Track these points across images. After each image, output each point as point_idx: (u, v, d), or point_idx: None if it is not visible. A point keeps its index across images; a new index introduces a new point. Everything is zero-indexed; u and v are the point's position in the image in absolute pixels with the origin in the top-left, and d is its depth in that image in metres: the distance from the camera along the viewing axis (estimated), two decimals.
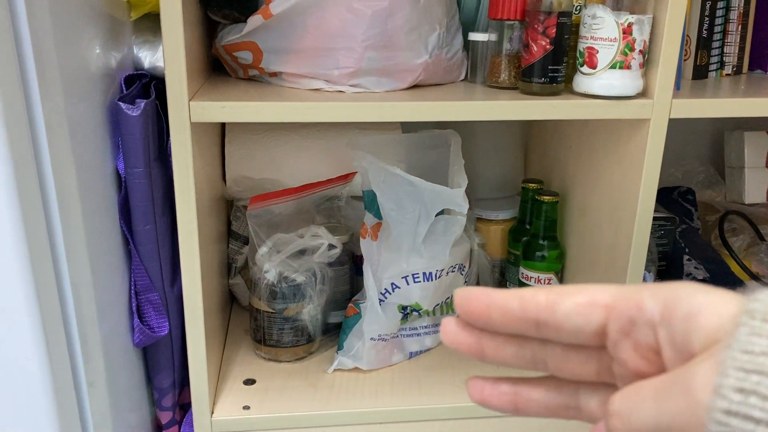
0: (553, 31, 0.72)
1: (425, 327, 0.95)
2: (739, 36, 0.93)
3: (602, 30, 0.71)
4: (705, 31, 0.89)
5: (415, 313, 0.92)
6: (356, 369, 0.90)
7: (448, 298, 0.96)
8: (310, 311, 0.91)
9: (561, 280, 0.99)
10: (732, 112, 0.76)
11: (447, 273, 0.92)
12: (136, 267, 0.71)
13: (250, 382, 0.88)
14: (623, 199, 0.81)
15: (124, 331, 0.73)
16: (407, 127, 1.04)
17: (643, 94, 0.75)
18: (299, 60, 0.76)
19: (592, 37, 0.72)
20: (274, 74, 0.80)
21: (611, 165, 0.84)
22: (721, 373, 0.22)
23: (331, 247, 0.93)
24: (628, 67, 0.72)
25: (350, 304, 0.93)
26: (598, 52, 0.72)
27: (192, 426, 0.79)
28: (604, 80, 0.73)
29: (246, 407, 0.82)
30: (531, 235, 0.99)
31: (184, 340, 0.77)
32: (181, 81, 0.67)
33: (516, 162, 1.17)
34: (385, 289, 0.90)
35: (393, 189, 0.88)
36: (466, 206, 0.87)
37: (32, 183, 0.55)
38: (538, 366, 0.30)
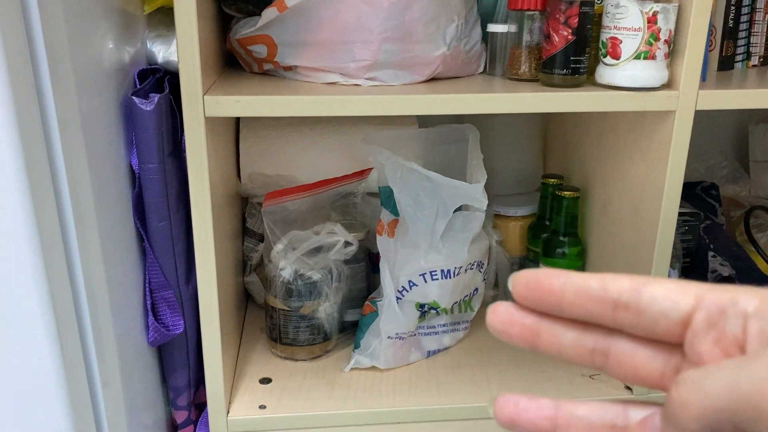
0: (575, 20, 0.70)
1: (443, 325, 0.94)
2: (766, 26, 0.90)
3: (626, 19, 0.69)
4: (731, 21, 0.86)
5: (432, 311, 0.90)
6: (373, 368, 0.89)
7: (467, 295, 0.94)
8: (326, 309, 0.89)
9: None
10: (760, 103, 0.74)
11: (465, 270, 0.90)
12: (150, 264, 0.70)
13: (266, 381, 0.87)
14: (647, 195, 0.79)
15: (138, 329, 0.72)
16: (424, 121, 1.02)
17: (668, 85, 0.73)
18: (314, 53, 0.75)
19: (615, 27, 0.70)
20: (289, 68, 0.78)
21: (634, 159, 0.82)
22: None
23: (347, 244, 0.91)
24: (653, 58, 0.70)
25: (367, 302, 0.92)
26: (621, 42, 0.70)
27: (207, 425, 0.79)
28: (628, 71, 0.70)
29: (262, 406, 0.81)
30: (551, 231, 0.97)
31: (199, 338, 0.76)
32: (195, 75, 0.66)
33: (535, 157, 1.14)
34: (402, 286, 0.88)
35: (410, 185, 0.87)
36: (486, 202, 0.86)
37: (45, 179, 0.54)
38: (596, 359, 0.28)
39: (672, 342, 0.26)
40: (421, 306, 0.89)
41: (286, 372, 0.89)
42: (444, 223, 0.87)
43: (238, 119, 0.98)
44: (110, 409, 0.65)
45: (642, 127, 0.79)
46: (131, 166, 0.69)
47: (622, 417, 0.27)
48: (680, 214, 0.96)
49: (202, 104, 0.67)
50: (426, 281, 0.88)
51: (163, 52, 0.74)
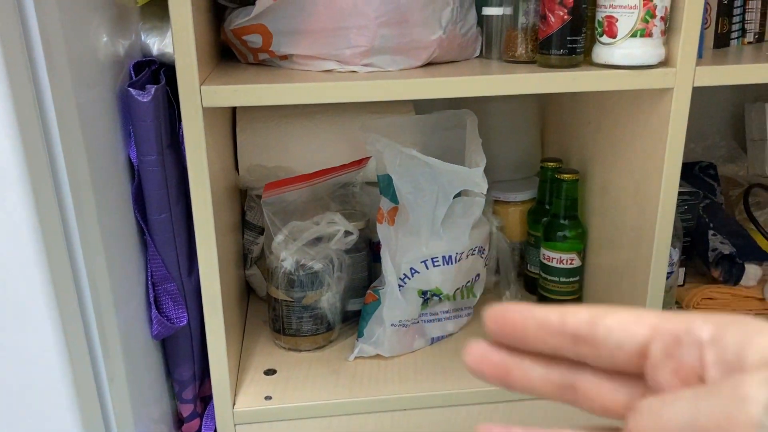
0: (570, 0, 0.70)
1: (446, 312, 0.94)
2: (761, 2, 0.90)
3: None
4: None
5: (435, 298, 0.90)
6: (378, 356, 0.89)
7: (469, 281, 0.94)
8: (328, 299, 0.89)
9: (583, 260, 0.97)
10: (758, 77, 0.74)
11: (467, 256, 0.90)
12: (152, 257, 0.70)
13: (270, 372, 0.87)
14: (647, 174, 0.79)
15: (142, 323, 0.72)
16: (421, 108, 1.02)
17: (665, 62, 0.73)
18: (310, 41, 0.75)
19: (611, 5, 0.70)
20: (285, 57, 0.78)
21: (633, 139, 0.82)
22: None
23: (347, 233, 0.91)
24: (650, 35, 0.69)
25: (369, 291, 0.92)
26: (617, 20, 0.70)
27: (213, 418, 0.78)
28: (624, 49, 0.70)
29: (268, 397, 0.81)
30: (552, 215, 0.97)
31: (203, 331, 0.76)
32: (191, 65, 0.65)
33: (533, 142, 1.14)
34: (404, 274, 0.88)
35: (409, 171, 0.86)
36: (486, 186, 0.86)
37: (45, 174, 0.54)
38: (566, 393, 0.28)
39: (634, 373, 0.26)
40: (423, 293, 0.89)
41: (290, 363, 0.89)
42: (444, 209, 0.87)
43: (234, 112, 0.98)
44: (116, 404, 0.65)
45: (640, 106, 0.79)
46: (130, 159, 0.69)
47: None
48: (680, 193, 0.96)
49: (200, 95, 0.66)
50: (428, 268, 0.88)
51: (157, 43, 0.74)
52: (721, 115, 1.23)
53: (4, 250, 0.53)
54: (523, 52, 0.77)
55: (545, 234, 0.97)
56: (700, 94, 0.74)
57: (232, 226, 0.93)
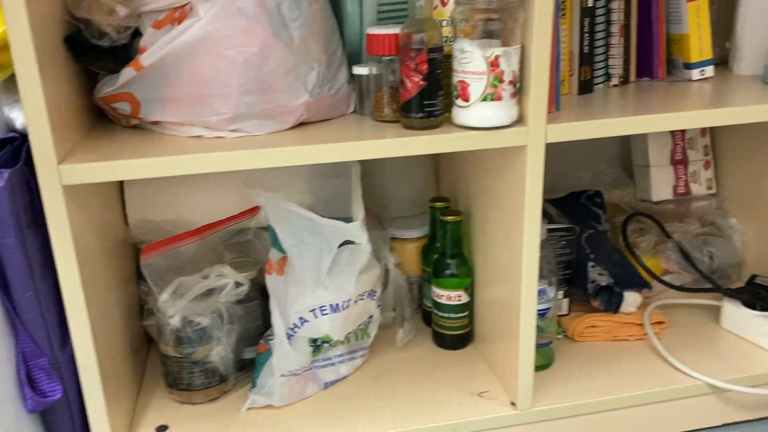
0: (424, 67, 0.73)
1: (339, 356, 0.96)
2: (622, 48, 0.95)
3: (471, 63, 0.72)
4: (586, 47, 0.91)
5: (326, 344, 0.92)
6: (270, 406, 0.90)
7: (361, 324, 0.96)
8: (219, 352, 0.90)
9: (472, 295, 1.01)
10: (607, 132, 0.78)
11: (355, 302, 0.92)
12: (21, 334, 0.70)
13: (162, 428, 0.87)
14: (513, 220, 0.83)
15: (17, 398, 0.72)
16: None
17: (520, 120, 0.77)
18: (177, 108, 0.76)
19: (462, 71, 0.73)
20: (156, 122, 0.79)
21: (501, 187, 0.85)
22: None
23: (237, 284, 0.93)
24: (500, 99, 0.73)
25: (261, 341, 0.93)
26: (469, 85, 0.73)
27: None
28: (478, 112, 0.74)
29: None
30: (440, 253, 1.01)
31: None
32: (47, 145, 0.66)
33: (428, 179, 1.18)
34: (294, 323, 0.90)
35: (292, 224, 0.88)
36: (365, 237, 0.88)
37: None
38: None
39: None
40: (314, 341, 0.91)
41: (183, 417, 0.90)
42: (329, 259, 0.90)
43: None
44: None
45: (503, 159, 0.83)
46: None
47: None
48: (556, 230, 1.01)
49: (57, 174, 0.67)
50: (316, 317, 0.90)
51: (21, 118, 0.74)
52: (608, 143, 1.28)
53: None
54: (390, 112, 0.80)
55: (434, 272, 1.00)
56: None
57: (122, 281, 0.93)
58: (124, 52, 0.77)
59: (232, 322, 0.92)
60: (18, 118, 0.74)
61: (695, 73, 0.97)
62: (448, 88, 0.77)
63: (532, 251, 0.81)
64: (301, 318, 0.90)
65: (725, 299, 1.05)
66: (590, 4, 0.89)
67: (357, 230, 0.87)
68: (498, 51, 0.71)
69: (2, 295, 0.68)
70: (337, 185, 0.99)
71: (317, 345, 0.92)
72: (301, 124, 0.80)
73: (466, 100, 0.74)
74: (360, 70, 0.82)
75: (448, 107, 0.78)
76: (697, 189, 1.23)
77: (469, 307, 1.01)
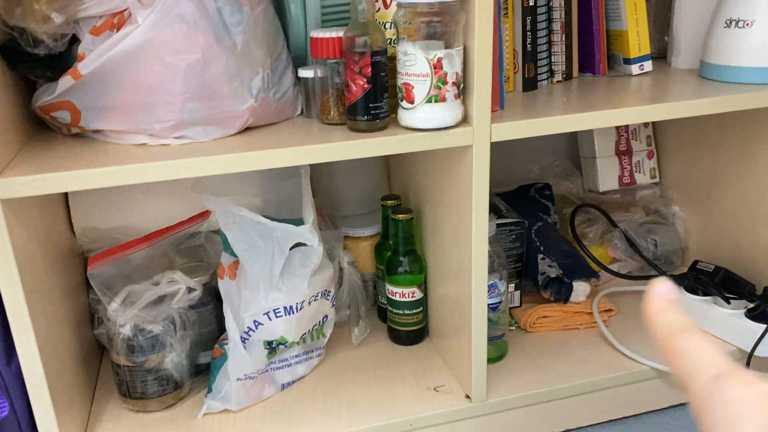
0: (368, 70, 0.73)
1: (296, 356, 0.96)
2: (564, 45, 0.97)
3: (414, 66, 0.73)
4: (529, 45, 0.92)
5: (281, 346, 0.93)
6: (226, 410, 0.90)
7: (316, 324, 0.97)
8: (173, 359, 0.90)
9: (425, 291, 1.02)
10: (550, 129, 0.80)
11: (309, 303, 0.93)
12: None
13: None
14: (463, 217, 0.84)
15: None
16: None
17: (465, 120, 0.78)
18: (119, 117, 0.74)
19: (406, 74, 0.74)
20: (98, 131, 0.77)
21: (450, 186, 0.87)
22: None
23: (190, 290, 0.92)
24: (444, 100, 0.74)
25: (216, 346, 0.93)
26: (413, 87, 0.74)
27: None
28: (423, 113, 0.75)
29: None
30: (392, 251, 1.01)
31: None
32: None
33: (380, 177, 1.18)
34: (248, 327, 0.90)
35: (243, 229, 0.88)
36: (316, 239, 0.88)
37: None
38: None
39: None
40: (269, 343, 0.91)
41: (138, 426, 0.89)
42: (281, 262, 0.90)
43: None
44: None
45: (450, 158, 0.84)
46: None
47: None
48: (506, 224, 1.03)
49: None
50: (271, 319, 0.90)
51: None
52: (556, 136, 1.31)
53: None
54: (336, 115, 0.80)
55: (387, 269, 1.01)
56: None
57: (70, 291, 0.91)
58: (62, 59, 0.75)
59: (186, 328, 0.91)
60: None
61: (635, 68, 1.00)
62: (394, 90, 0.78)
63: (480, 248, 0.82)
64: (255, 321, 0.90)
65: None
66: (532, 3, 0.91)
67: (308, 233, 0.87)
68: (440, 53, 0.72)
69: None
70: (287, 187, 0.99)
71: (273, 347, 0.92)
72: (247, 129, 0.80)
73: (411, 101, 0.74)
74: (305, 73, 0.82)
75: (394, 108, 0.79)
76: (641, 178, 1.27)
77: (422, 303, 1.02)
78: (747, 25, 0.89)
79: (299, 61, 0.87)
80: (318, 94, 0.81)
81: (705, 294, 1.05)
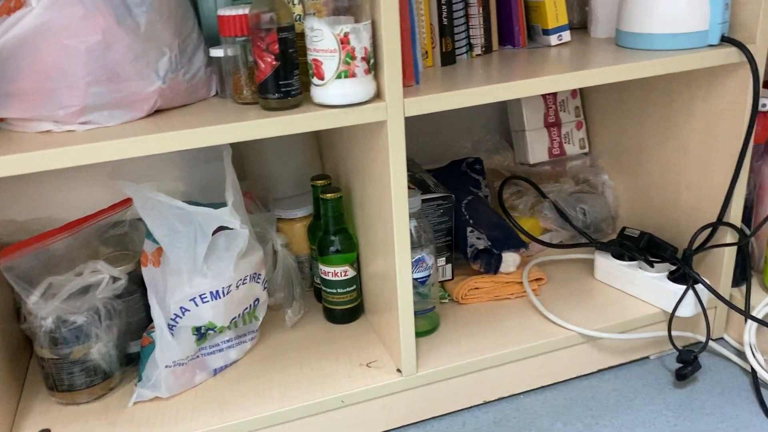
0: (276, 47, 0.73)
1: (228, 341, 0.96)
2: (482, 18, 0.98)
3: (322, 42, 0.72)
4: (445, 19, 0.93)
5: (211, 331, 0.92)
6: (157, 398, 0.90)
7: (247, 308, 0.96)
8: (99, 350, 0.88)
9: (358, 269, 1.03)
10: (462, 103, 0.80)
11: (237, 286, 0.92)
12: None
13: None
14: (384, 193, 0.84)
15: None
16: None
17: (378, 96, 0.78)
18: (20, 104, 0.72)
19: (315, 50, 0.73)
20: (0, 120, 0.75)
21: (370, 162, 0.87)
22: None
23: (114, 279, 0.90)
24: (354, 75, 0.74)
25: (144, 334, 0.92)
26: (323, 63, 0.73)
27: None
28: (334, 90, 0.74)
29: None
30: (323, 231, 1.01)
31: None
32: None
33: (311, 158, 1.18)
34: (175, 314, 0.89)
35: (162, 214, 0.87)
36: (238, 222, 0.88)
37: None
38: None
39: None
40: (197, 329, 0.91)
41: (67, 418, 0.88)
42: (205, 247, 0.89)
43: None
44: None
45: (368, 135, 0.84)
46: None
47: None
48: (433, 199, 1.04)
49: None
50: (197, 305, 0.89)
51: None
52: (486, 111, 1.32)
53: None
54: (249, 94, 0.79)
55: (319, 249, 1.01)
56: None
57: None
58: None
59: (111, 317, 0.90)
60: None
61: (553, 39, 1.01)
62: (305, 67, 0.77)
63: (401, 222, 0.83)
64: (181, 308, 0.89)
65: (597, 252, 1.12)
66: None
67: (228, 215, 0.86)
68: (347, 28, 0.72)
69: None
70: (211, 170, 0.97)
71: (202, 333, 0.91)
72: (157, 112, 0.79)
73: (321, 78, 0.74)
74: (216, 52, 0.80)
75: (307, 86, 0.78)
76: (571, 149, 1.30)
77: (356, 281, 1.03)
78: None
79: (213, 41, 0.85)
80: (230, 73, 0.80)
81: (631, 259, 1.08)
